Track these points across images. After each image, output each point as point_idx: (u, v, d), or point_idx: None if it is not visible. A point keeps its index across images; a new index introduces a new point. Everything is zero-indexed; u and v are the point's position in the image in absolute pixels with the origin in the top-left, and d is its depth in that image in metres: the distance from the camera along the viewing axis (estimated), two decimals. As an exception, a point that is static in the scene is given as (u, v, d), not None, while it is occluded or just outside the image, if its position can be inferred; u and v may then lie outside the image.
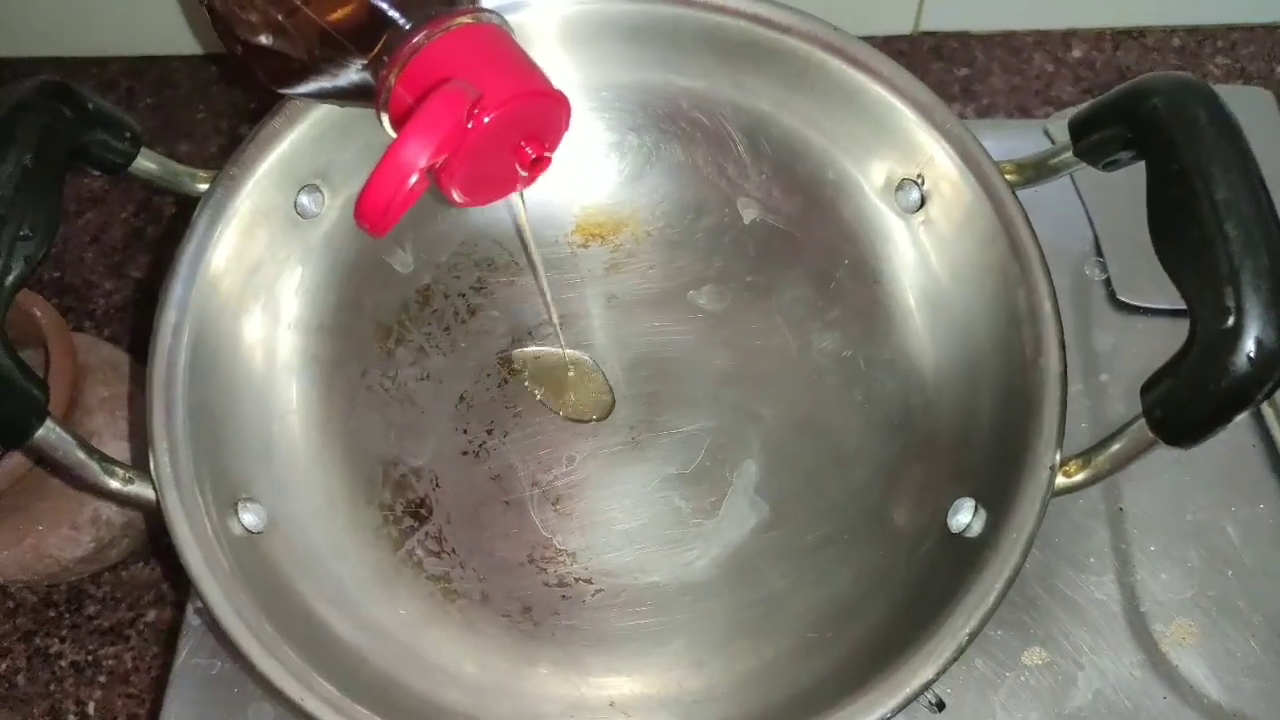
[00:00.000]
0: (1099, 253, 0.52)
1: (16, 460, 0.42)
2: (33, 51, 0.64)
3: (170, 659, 0.44)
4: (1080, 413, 0.48)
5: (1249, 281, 0.30)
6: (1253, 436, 0.47)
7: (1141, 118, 0.35)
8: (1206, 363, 0.31)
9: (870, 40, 0.61)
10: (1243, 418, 0.47)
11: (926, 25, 0.62)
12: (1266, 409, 0.47)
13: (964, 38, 0.63)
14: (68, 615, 0.50)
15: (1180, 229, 0.33)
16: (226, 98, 0.63)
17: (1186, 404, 0.32)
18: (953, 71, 0.62)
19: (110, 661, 0.49)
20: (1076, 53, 0.63)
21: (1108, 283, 0.51)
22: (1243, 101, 0.57)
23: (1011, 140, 0.47)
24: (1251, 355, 0.30)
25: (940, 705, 0.40)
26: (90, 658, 0.49)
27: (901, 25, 0.63)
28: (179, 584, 0.50)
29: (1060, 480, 0.36)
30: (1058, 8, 0.62)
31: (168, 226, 0.60)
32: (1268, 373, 0.30)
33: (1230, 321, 0.30)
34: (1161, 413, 0.33)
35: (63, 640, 0.50)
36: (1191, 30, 0.63)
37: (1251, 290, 0.30)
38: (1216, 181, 0.32)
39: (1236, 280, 0.30)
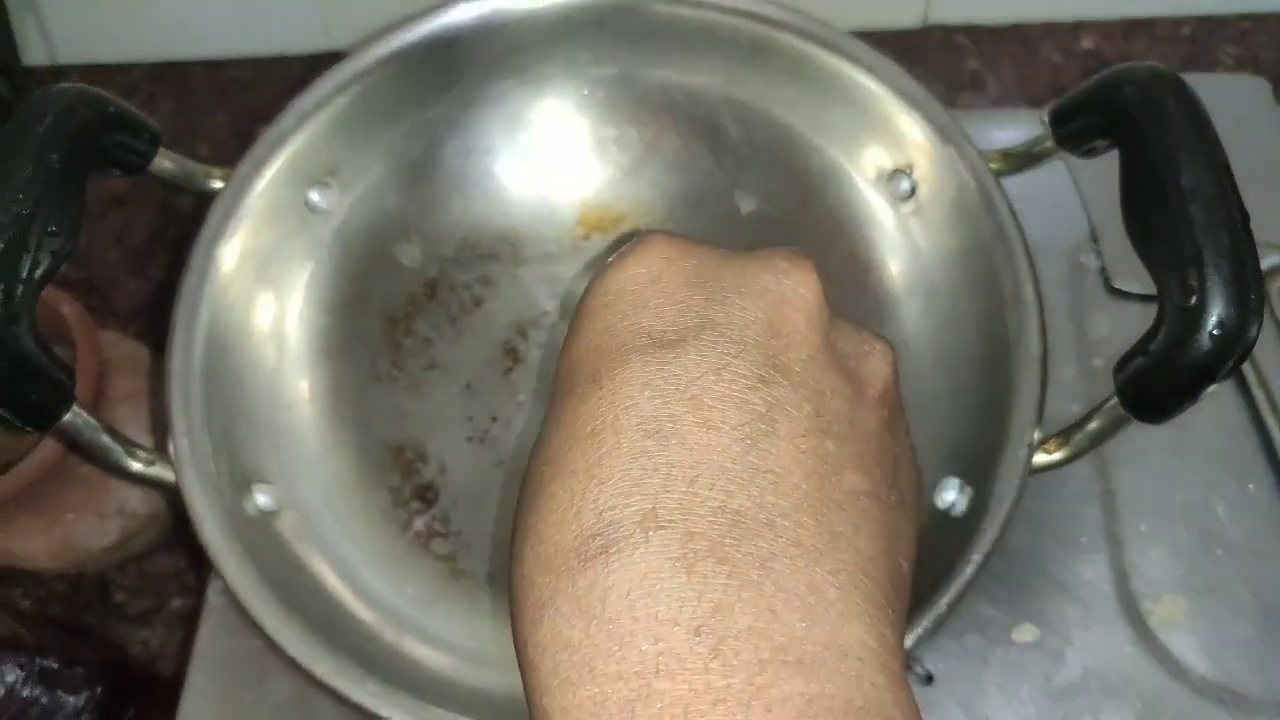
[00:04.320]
0: (1094, 241, 0.53)
1: (48, 450, 0.43)
2: (62, 59, 0.66)
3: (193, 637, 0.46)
4: (1074, 396, 0.49)
5: (1211, 262, 0.31)
6: (1242, 418, 0.48)
7: (1114, 106, 0.36)
8: (1172, 341, 0.32)
9: (879, 34, 0.62)
10: (1231, 399, 0.48)
11: (935, 18, 0.63)
12: (1257, 390, 0.48)
13: (973, 30, 0.63)
14: (96, 603, 0.52)
15: (1149, 213, 0.34)
16: (244, 101, 0.64)
17: (1155, 381, 0.33)
18: (962, 64, 0.62)
19: (136, 648, 0.51)
20: (1086, 43, 0.63)
21: (1103, 270, 0.52)
22: (1240, 90, 0.58)
23: (1016, 130, 0.48)
24: (1214, 333, 0.31)
25: (929, 678, 0.41)
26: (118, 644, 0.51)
27: (910, 18, 0.63)
28: (201, 571, 0.51)
29: (1039, 458, 0.37)
30: (1067, -2, 0.62)
31: (189, 227, 0.62)
32: (1229, 349, 0.31)
33: (1194, 300, 0.31)
34: (1133, 390, 0.34)
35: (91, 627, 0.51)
36: (1202, 20, 0.62)
37: (1213, 270, 0.31)
38: (1182, 167, 0.33)
39: (1199, 261, 0.31)
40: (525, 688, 0.20)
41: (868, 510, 0.21)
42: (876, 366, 0.24)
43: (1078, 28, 0.63)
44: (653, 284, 0.23)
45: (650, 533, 0.19)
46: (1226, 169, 0.33)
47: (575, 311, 0.24)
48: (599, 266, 0.24)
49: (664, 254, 0.24)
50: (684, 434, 0.20)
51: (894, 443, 0.24)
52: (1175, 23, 0.62)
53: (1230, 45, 0.62)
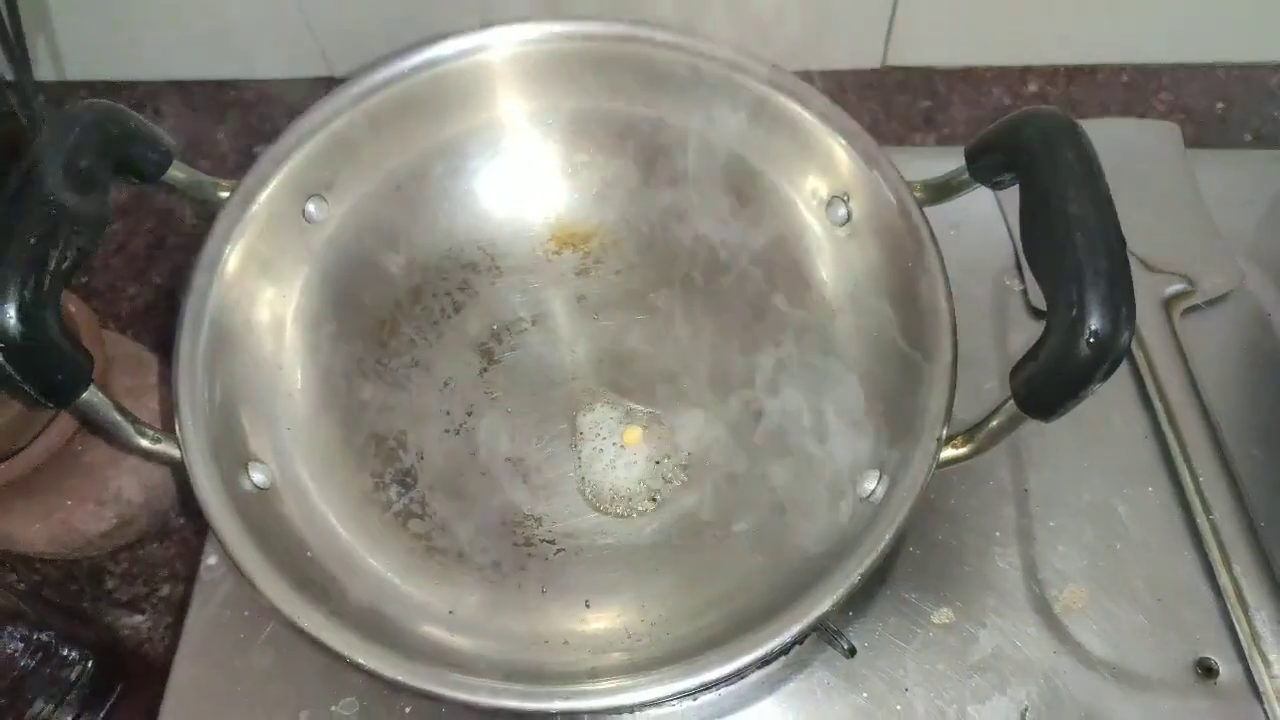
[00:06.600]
0: (1018, 266, 0.57)
1: (54, 435, 0.47)
2: (71, 75, 0.69)
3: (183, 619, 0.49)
4: (994, 405, 0.53)
5: (1090, 280, 0.36)
6: (1144, 428, 0.52)
7: (1017, 145, 0.40)
8: (1057, 349, 0.36)
9: (840, 74, 0.66)
10: (1134, 410, 0.53)
11: (893, 60, 0.67)
12: (1157, 403, 0.52)
13: (928, 72, 0.67)
14: (88, 589, 0.54)
15: (1042, 238, 0.38)
16: (243, 119, 0.68)
17: (1043, 384, 0.37)
18: (917, 103, 0.66)
19: (127, 632, 0.53)
20: (1032, 87, 0.66)
21: (1025, 292, 0.57)
22: (1155, 134, 0.62)
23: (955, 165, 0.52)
24: (1091, 341, 0.35)
25: (852, 651, 0.45)
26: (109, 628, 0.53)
27: (870, 60, 0.67)
28: (191, 560, 0.53)
29: (947, 452, 0.41)
30: (1016, 46, 0.66)
31: (189, 236, 0.64)
32: (1104, 355, 0.35)
33: (1075, 313, 0.36)
34: (1025, 392, 0.38)
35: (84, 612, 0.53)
36: (1139, 68, 0.66)
37: (1091, 287, 0.35)
38: (1070, 199, 0.37)
39: (1080, 279, 0.36)
40: None
41: None
42: None
43: (1025, 72, 0.67)
44: None
45: None
46: (1109, 201, 0.37)
47: None
48: None
49: None
50: None
51: None
52: (1116, 70, 0.67)
53: (1164, 92, 0.66)
